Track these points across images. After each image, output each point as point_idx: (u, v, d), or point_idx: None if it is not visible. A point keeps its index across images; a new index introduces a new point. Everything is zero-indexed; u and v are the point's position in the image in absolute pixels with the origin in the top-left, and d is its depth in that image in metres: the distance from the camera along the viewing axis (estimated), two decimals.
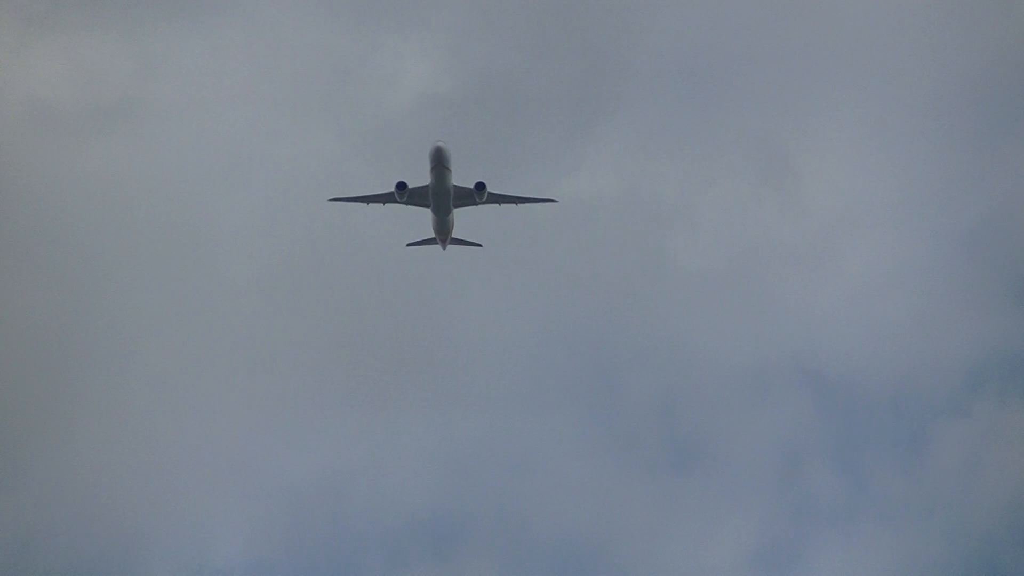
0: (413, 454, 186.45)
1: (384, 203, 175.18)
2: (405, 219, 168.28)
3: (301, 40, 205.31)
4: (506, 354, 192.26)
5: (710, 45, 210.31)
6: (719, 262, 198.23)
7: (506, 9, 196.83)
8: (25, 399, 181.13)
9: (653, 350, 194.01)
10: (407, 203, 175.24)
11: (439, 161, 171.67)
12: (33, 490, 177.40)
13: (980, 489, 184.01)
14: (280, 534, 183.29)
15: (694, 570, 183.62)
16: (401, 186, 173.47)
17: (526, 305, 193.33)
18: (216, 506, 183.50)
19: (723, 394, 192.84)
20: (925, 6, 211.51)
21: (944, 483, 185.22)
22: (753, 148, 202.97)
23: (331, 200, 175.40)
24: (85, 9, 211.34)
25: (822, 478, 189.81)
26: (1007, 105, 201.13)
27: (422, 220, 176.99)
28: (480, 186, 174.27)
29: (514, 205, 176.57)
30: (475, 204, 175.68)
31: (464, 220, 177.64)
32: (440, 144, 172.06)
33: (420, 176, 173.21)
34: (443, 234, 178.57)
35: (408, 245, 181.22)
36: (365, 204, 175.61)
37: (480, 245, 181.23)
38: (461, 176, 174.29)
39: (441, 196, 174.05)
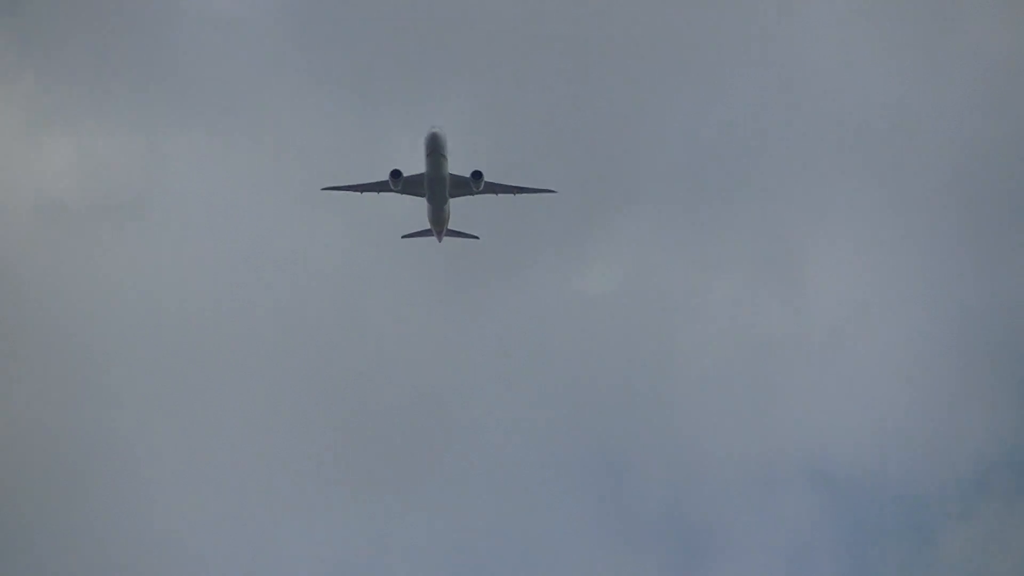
0: (413, 544, 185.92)
1: (379, 192, 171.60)
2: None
3: (309, 137, 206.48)
4: (511, 447, 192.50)
5: (719, 141, 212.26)
6: (725, 357, 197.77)
7: (516, 105, 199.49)
8: (30, 499, 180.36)
9: (659, 445, 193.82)
10: (402, 192, 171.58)
11: (435, 148, 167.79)
12: None
13: None
14: None
15: None
16: (396, 174, 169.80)
17: (532, 397, 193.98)
18: None
19: (729, 490, 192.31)
20: (928, 106, 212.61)
21: None
22: (760, 243, 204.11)
23: (324, 189, 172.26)
24: (93, 104, 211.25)
25: None
26: (1015, 201, 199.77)
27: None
28: (477, 174, 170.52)
29: (512, 195, 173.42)
30: (472, 193, 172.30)
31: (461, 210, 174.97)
32: (436, 130, 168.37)
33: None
34: (439, 225, 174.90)
35: (403, 237, 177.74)
36: (359, 193, 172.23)
37: (477, 237, 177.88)
38: (458, 168, 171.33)
39: (437, 184, 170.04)
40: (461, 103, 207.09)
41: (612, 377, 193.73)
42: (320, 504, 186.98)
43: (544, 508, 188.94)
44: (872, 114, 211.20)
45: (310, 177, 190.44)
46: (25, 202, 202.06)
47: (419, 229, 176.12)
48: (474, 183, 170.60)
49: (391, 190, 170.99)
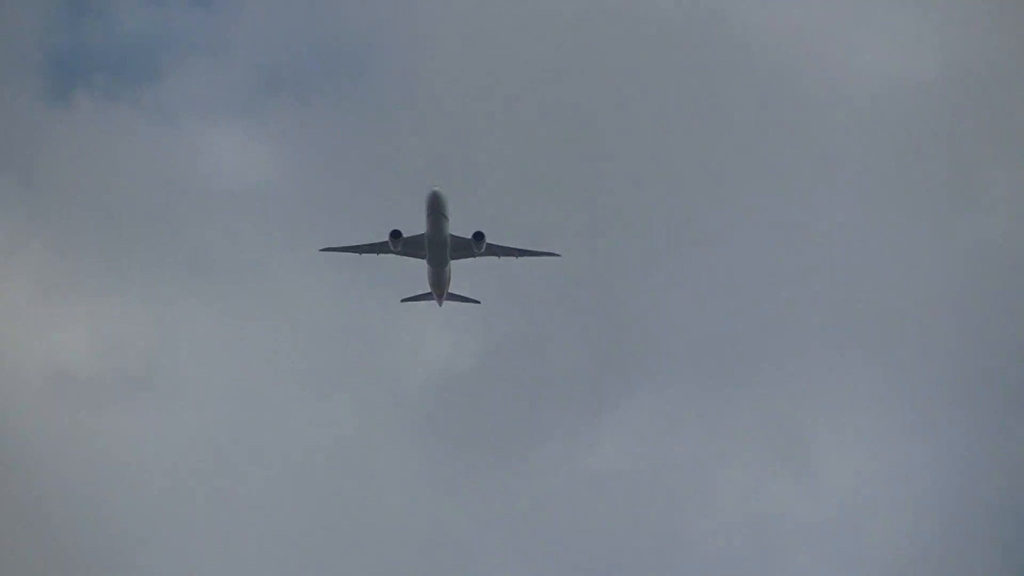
0: None
1: (378, 253, 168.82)
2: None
3: (321, 312, 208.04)
4: None
5: (728, 325, 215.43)
6: (735, 540, 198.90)
7: (524, 287, 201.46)
8: None
9: None
10: (401, 253, 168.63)
11: (436, 208, 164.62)
12: None
13: None
14: None
15: None
16: (396, 234, 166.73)
17: None
18: None
19: None
20: (935, 295, 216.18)
21: None
22: (769, 427, 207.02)
23: (323, 250, 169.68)
24: (103, 275, 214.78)
25: None
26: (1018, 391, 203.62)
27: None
28: (479, 235, 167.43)
29: (514, 258, 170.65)
30: (473, 255, 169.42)
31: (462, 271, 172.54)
32: (437, 189, 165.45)
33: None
34: (439, 288, 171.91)
35: (403, 301, 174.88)
36: (358, 254, 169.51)
37: (478, 302, 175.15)
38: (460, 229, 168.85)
39: (437, 246, 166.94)
40: (473, 286, 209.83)
41: (621, 557, 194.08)
42: None
43: None
44: (882, 302, 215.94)
45: (321, 352, 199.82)
46: (36, 372, 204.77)
47: (420, 293, 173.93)
48: (476, 244, 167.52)
49: (390, 251, 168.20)
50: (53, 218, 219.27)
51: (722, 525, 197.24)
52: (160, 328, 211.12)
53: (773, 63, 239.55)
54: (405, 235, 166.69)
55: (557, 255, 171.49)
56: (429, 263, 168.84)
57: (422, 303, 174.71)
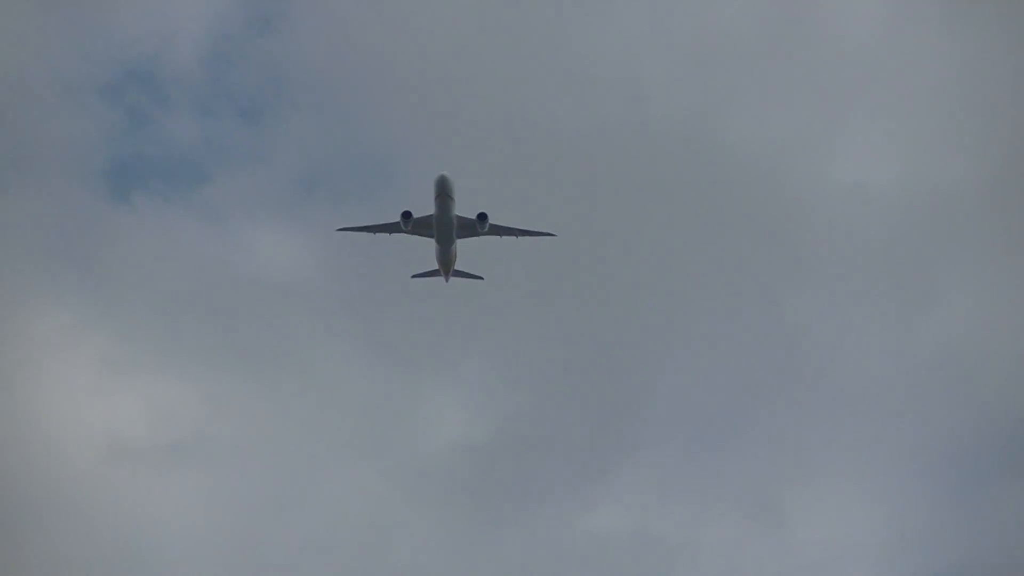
0: None
1: (390, 232, 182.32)
2: None
3: (352, 389, 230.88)
4: None
5: (715, 401, 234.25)
6: None
7: (532, 363, 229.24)
8: None
9: None
10: (412, 232, 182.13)
11: (443, 190, 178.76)
12: None
13: None
14: None
15: None
16: (407, 215, 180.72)
17: None
18: None
19: None
20: (913, 369, 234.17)
21: None
22: (750, 490, 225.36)
23: (339, 230, 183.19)
24: (158, 353, 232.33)
25: None
26: (990, 457, 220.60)
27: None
28: (482, 216, 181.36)
29: (514, 238, 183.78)
30: (477, 235, 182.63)
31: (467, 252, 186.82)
32: (444, 174, 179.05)
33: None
34: (446, 265, 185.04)
35: (413, 276, 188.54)
36: (372, 234, 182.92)
37: (482, 278, 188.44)
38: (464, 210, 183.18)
39: (444, 225, 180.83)
40: (486, 365, 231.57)
41: None
42: None
43: None
44: (851, 384, 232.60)
45: (352, 425, 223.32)
46: (98, 441, 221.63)
47: (428, 269, 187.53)
48: (479, 224, 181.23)
49: (402, 231, 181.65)
50: (114, 306, 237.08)
51: None
52: (207, 401, 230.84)
53: (757, 169, 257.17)
54: (415, 216, 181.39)
55: (553, 235, 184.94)
56: (437, 242, 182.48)
57: (431, 278, 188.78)
